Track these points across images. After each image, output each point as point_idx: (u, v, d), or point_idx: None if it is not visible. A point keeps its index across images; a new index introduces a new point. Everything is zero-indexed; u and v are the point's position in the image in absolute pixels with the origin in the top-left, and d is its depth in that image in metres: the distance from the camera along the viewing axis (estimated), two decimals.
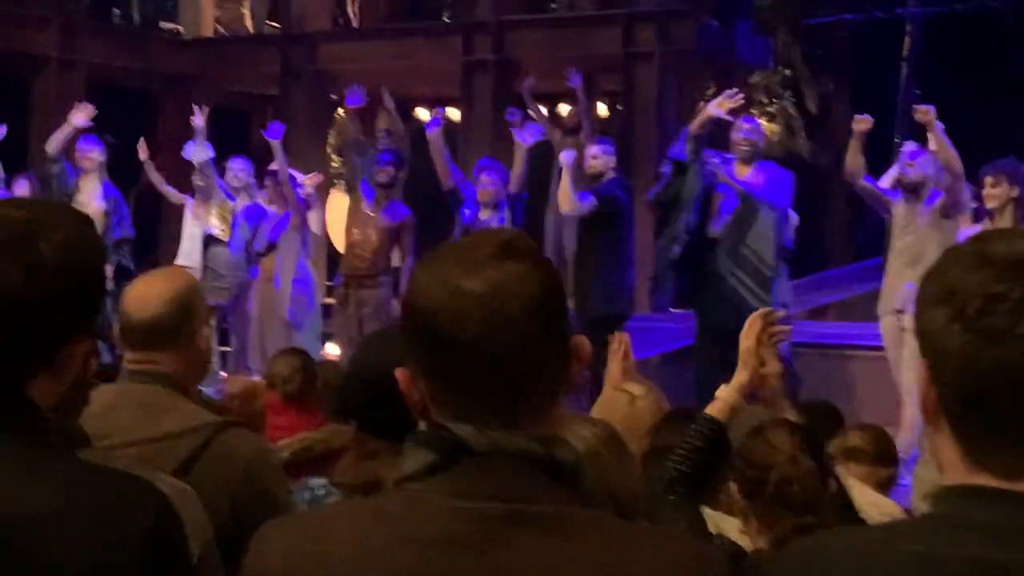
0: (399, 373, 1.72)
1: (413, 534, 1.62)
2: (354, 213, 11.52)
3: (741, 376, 3.63)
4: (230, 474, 3.03)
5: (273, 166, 11.85)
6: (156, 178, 12.75)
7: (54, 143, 11.49)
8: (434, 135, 11.19)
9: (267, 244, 11.89)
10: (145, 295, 3.10)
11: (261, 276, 11.96)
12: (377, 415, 2.70)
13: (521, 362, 1.65)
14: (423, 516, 1.63)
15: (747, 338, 3.68)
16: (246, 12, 18.34)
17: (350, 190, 11.97)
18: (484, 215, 10.89)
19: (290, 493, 3.08)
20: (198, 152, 12.16)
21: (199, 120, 12.10)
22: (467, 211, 11.06)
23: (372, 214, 11.33)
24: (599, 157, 10.36)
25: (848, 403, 8.26)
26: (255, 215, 12.06)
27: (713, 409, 3.57)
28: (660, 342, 12.80)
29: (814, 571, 1.56)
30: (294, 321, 11.80)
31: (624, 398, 4.26)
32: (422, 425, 1.71)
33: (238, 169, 12.32)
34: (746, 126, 9.80)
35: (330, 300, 13.41)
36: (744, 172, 9.61)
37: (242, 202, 12.12)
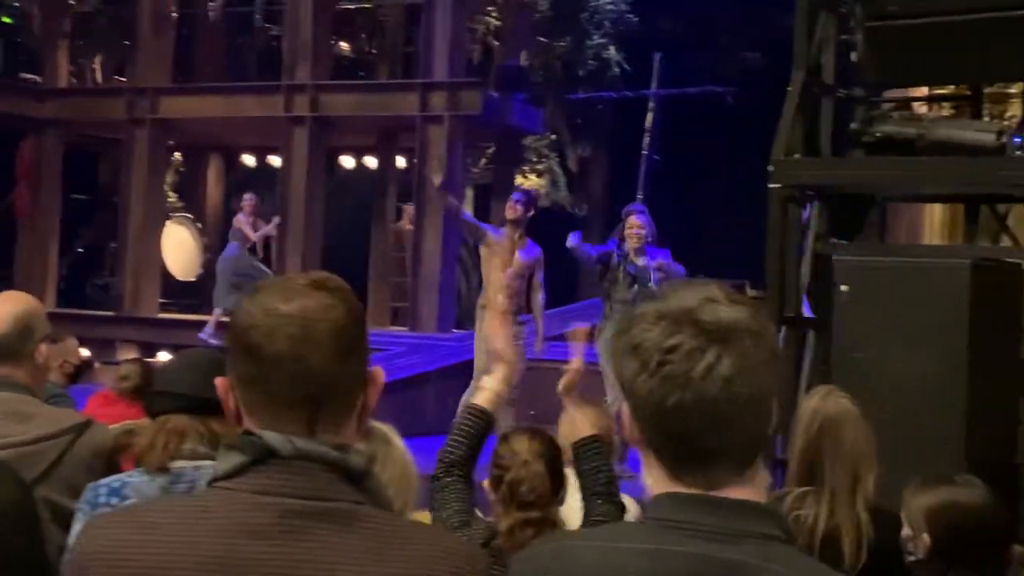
0: (219, 382, 1.68)
1: (222, 525, 1.58)
2: None
3: (502, 370, 3.62)
4: (96, 462, 3.01)
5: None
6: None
7: None
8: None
9: None
10: None
11: None
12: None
13: (321, 377, 1.61)
14: (231, 510, 1.59)
15: (497, 339, 3.68)
16: (96, 67, 17.93)
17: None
18: (638, 260, 9.60)
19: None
20: None
21: None
22: (617, 253, 9.69)
23: None
24: None
25: None
26: None
27: (480, 399, 3.53)
28: (441, 358, 12.84)
29: (563, 566, 1.54)
30: None
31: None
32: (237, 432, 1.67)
33: None
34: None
35: None
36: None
37: None
